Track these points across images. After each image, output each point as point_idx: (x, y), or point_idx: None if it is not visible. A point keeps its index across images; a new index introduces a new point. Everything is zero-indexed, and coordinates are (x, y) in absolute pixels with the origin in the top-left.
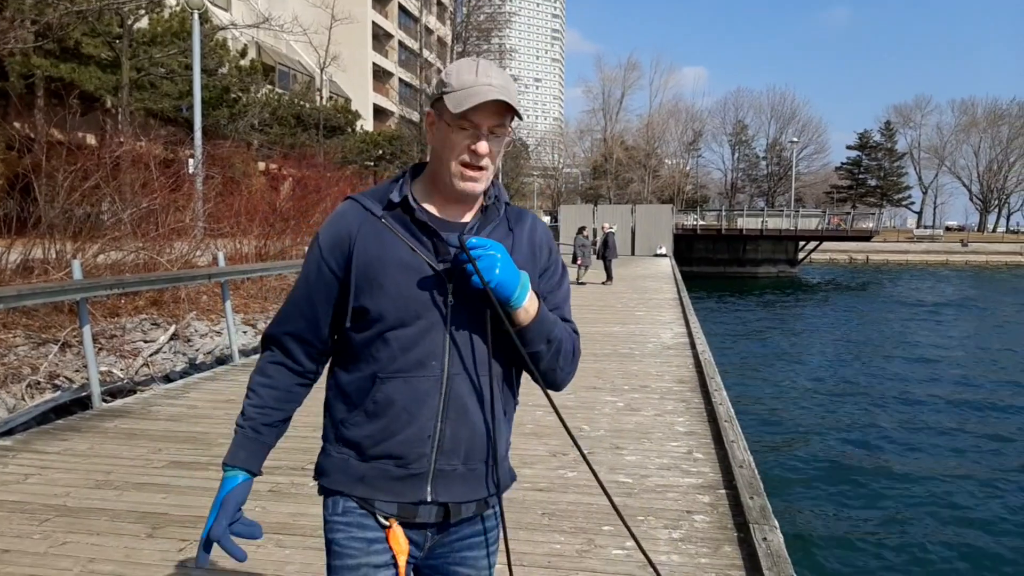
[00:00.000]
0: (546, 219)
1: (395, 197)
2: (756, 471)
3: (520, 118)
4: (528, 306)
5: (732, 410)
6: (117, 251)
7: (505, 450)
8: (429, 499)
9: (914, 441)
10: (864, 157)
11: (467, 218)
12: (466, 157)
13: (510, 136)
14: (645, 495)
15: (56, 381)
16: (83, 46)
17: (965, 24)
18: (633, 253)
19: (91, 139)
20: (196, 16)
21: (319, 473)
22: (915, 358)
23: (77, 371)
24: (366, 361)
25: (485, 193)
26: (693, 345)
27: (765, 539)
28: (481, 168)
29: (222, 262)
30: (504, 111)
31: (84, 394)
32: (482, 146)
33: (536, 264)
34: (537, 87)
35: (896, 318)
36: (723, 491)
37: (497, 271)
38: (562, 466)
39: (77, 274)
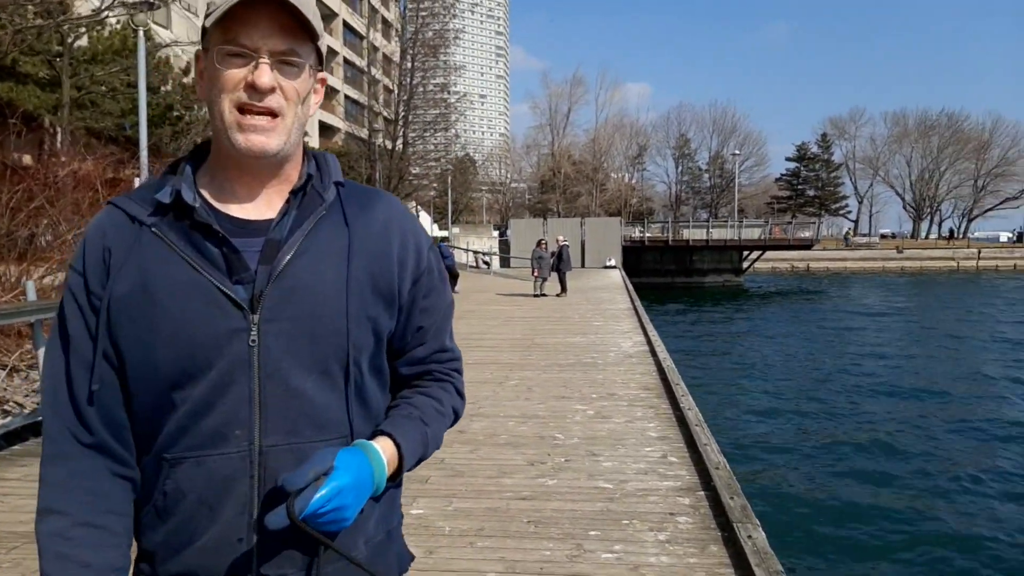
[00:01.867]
0: (495, 233)
1: (164, 197)
2: (732, 473)
3: (315, 38)
4: (387, 476)
5: (700, 415)
6: (64, 272)
7: (381, 532)
8: None
9: (871, 432)
10: (802, 168)
11: (274, 211)
12: (242, 95)
13: (318, 75)
14: (627, 499)
15: (5, 407)
16: (21, 64)
17: (897, 38)
18: (583, 265)
19: (27, 159)
20: (142, 34)
21: None
22: (863, 357)
23: (26, 396)
24: (148, 436)
25: (300, 173)
26: (654, 353)
27: (750, 537)
28: (268, 112)
29: None
30: (293, 29)
31: (36, 420)
32: (263, 74)
33: (399, 272)
34: (483, 103)
35: (841, 322)
36: (702, 492)
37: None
38: (541, 475)
39: (31, 295)
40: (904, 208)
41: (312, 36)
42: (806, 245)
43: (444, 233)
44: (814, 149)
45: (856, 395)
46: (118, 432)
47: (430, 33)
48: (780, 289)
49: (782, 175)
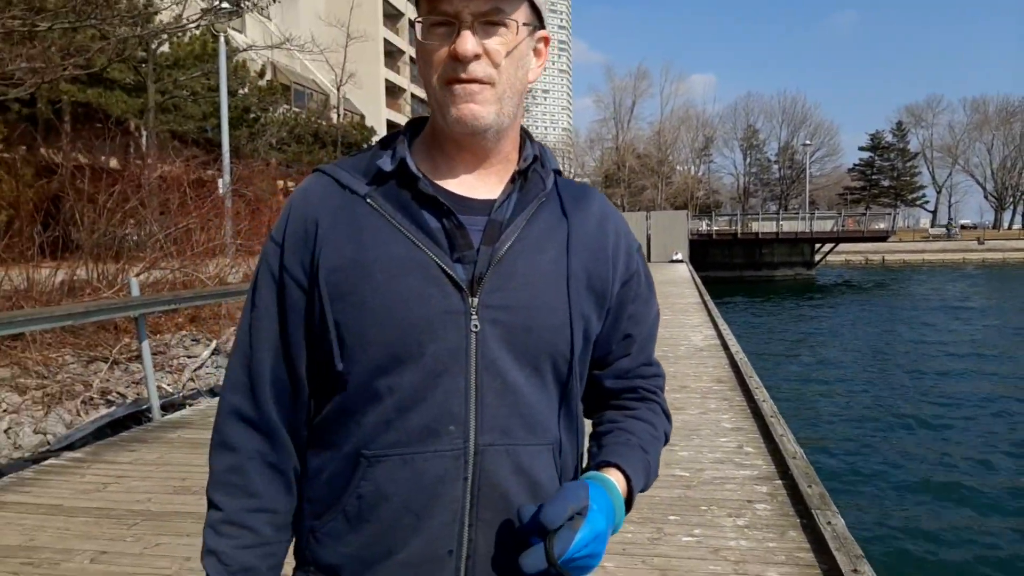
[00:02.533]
0: None
1: (386, 164)
2: (808, 462)
3: (540, 18)
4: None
5: (775, 407)
6: (159, 270)
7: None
8: None
9: (954, 430)
10: (877, 158)
11: (495, 192)
12: (448, 68)
13: (527, 33)
14: (704, 487)
15: (109, 397)
16: (109, 71)
17: (975, 22)
18: (650, 259)
19: (114, 162)
20: (223, 40)
21: None
22: (945, 355)
23: (127, 387)
24: (342, 430)
25: (521, 153)
26: (726, 347)
27: (829, 523)
28: (476, 81)
29: None
30: None
31: (138, 408)
32: (464, 41)
33: (612, 272)
34: (545, 98)
35: (920, 317)
36: (779, 481)
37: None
38: None
39: (135, 291)
40: (985, 198)
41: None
42: (881, 237)
43: None
44: (889, 138)
45: (934, 390)
46: (294, 421)
47: None
48: (854, 282)
49: (855, 165)
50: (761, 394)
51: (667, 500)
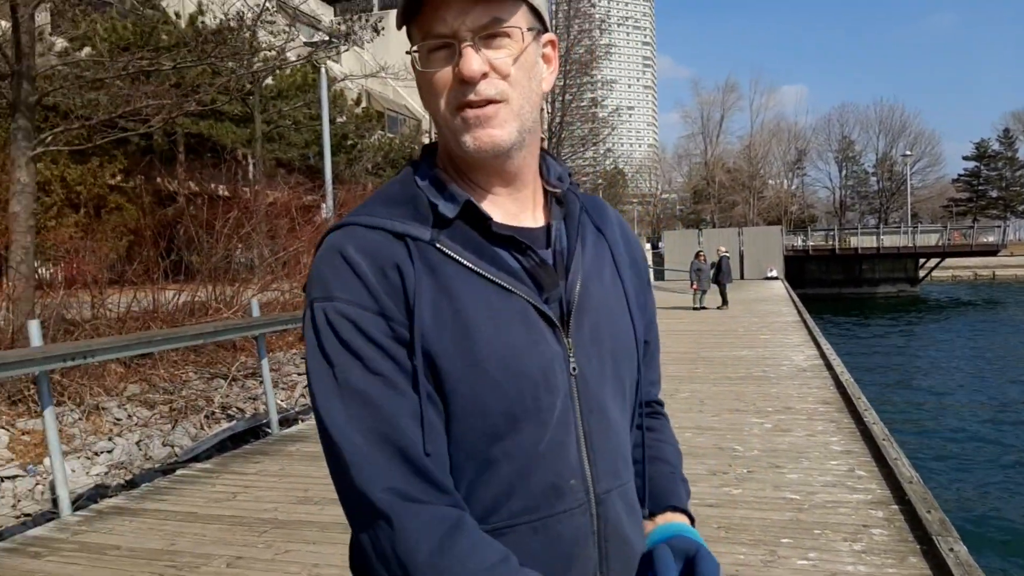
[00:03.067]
0: (647, 246)
1: (446, 209)
2: (926, 487)
3: (542, 20)
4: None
5: (887, 429)
6: (271, 291)
7: None
8: None
9: None
10: (983, 167)
11: (537, 217)
12: (456, 93)
13: (531, 38)
14: (816, 510)
15: (229, 411)
16: (219, 104)
17: None
18: (742, 277)
19: (223, 190)
20: (323, 71)
21: None
22: None
23: (245, 402)
24: None
25: (543, 173)
26: (830, 367)
27: (952, 550)
28: (488, 101)
29: None
30: None
31: (257, 423)
32: (468, 62)
33: (644, 281)
34: (631, 115)
35: None
36: (895, 507)
37: None
38: (724, 484)
39: (256, 312)
40: None
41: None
42: (991, 251)
43: None
44: (995, 146)
45: None
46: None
47: (581, 50)
48: (963, 299)
49: (960, 175)
50: (871, 416)
51: (779, 523)
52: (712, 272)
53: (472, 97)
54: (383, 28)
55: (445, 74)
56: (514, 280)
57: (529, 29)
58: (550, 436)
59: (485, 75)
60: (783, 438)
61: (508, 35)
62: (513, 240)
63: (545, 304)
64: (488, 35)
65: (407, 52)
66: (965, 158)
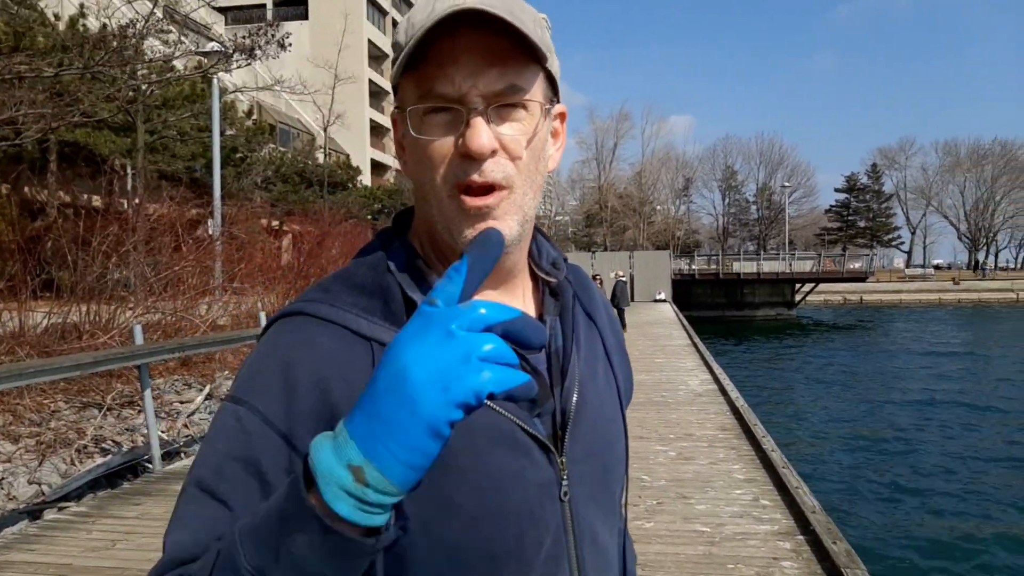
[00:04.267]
0: None
1: (419, 297)
2: (828, 516)
3: (556, 91)
4: None
5: (785, 456)
6: (152, 313)
7: None
8: None
9: (942, 467)
10: (852, 199)
11: (527, 309)
12: (456, 171)
13: (555, 110)
14: (727, 543)
15: (103, 445)
16: (99, 114)
17: (947, 67)
18: (633, 299)
19: (97, 200)
20: (216, 82)
21: None
22: (930, 393)
23: (121, 434)
24: None
25: (532, 254)
26: (724, 392)
27: None
28: (493, 187)
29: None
30: (508, 53)
31: (135, 458)
32: (477, 135)
33: (628, 364)
34: None
35: (903, 357)
36: (801, 537)
37: None
38: (636, 516)
39: (139, 339)
40: (959, 238)
41: (538, 56)
42: (860, 277)
43: None
44: (864, 180)
45: (926, 432)
46: None
47: None
48: (835, 322)
49: (832, 206)
50: (769, 443)
51: (693, 558)
52: (610, 296)
53: (476, 178)
54: (290, 44)
55: (444, 144)
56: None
57: (545, 104)
58: (538, 573)
59: (494, 152)
60: (688, 466)
61: (524, 108)
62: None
63: (536, 419)
64: (501, 105)
65: (395, 110)
66: (837, 190)
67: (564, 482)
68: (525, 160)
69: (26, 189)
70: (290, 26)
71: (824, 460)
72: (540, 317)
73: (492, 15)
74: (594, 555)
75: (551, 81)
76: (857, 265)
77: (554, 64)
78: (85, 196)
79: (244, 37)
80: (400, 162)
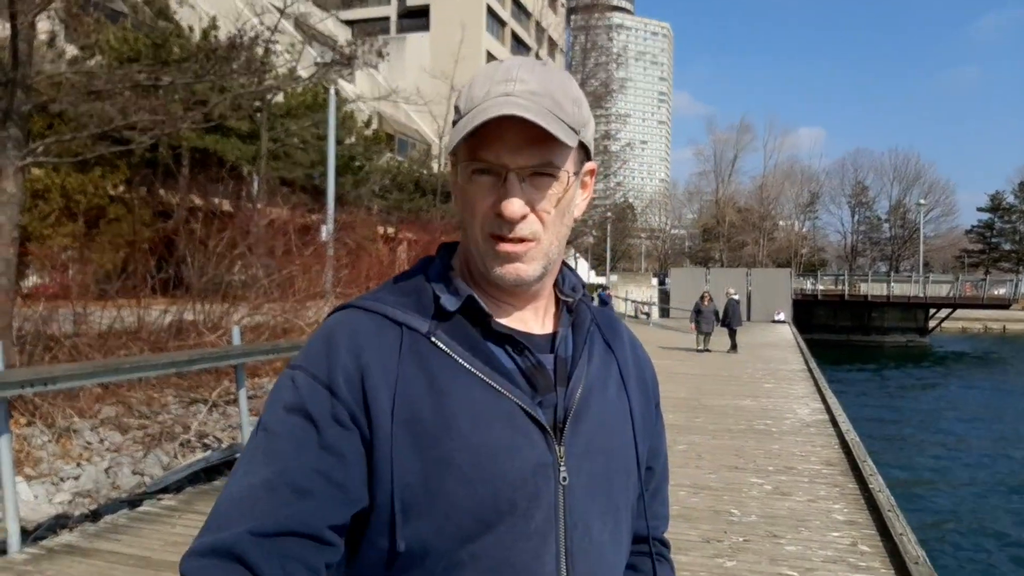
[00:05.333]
0: (654, 282)
1: (450, 303)
2: (933, 569)
3: (587, 152)
4: None
5: (893, 498)
6: (262, 315)
7: None
8: None
9: None
10: (997, 220)
11: (547, 325)
12: (492, 223)
13: (585, 167)
14: None
15: (206, 440)
16: (226, 120)
17: None
18: (749, 318)
19: (226, 205)
20: (333, 91)
21: None
22: None
23: (224, 430)
24: None
25: (557, 282)
26: (835, 423)
27: None
28: (522, 240)
29: None
30: (545, 139)
31: (232, 455)
32: (511, 204)
33: (652, 404)
34: (643, 149)
35: None
36: None
37: None
38: (718, 554)
39: (236, 340)
40: None
41: (572, 135)
42: (1003, 304)
43: (602, 280)
44: (1010, 199)
45: None
46: None
47: (596, 83)
48: (974, 353)
49: (973, 227)
50: (876, 482)
51: None
52: (722, 315)
53: (507, 234)
54: (388, 54)
55: (486, 199)
56: (505, 380)
57: (575, 173)
58: (524, 545)
59: (524, 216)
60: (783, 503)
61: (556, 177)
62: (511, 339)
63: (538, 407)
64: (535, 173)
65: (450, 159)
66: (979, 209)
67: (562, 469)
68: (552, 217)
69: (160, 192)
70: (412, 37)
71: (938, 508)
72: (556, 331)
73: (531, 121)
74: (585, 546)
75: (584, 147)
76: (1001, 291)
77: (587, 134)
78: (216, 200)
79: (343, 47)
80: (453, 195)
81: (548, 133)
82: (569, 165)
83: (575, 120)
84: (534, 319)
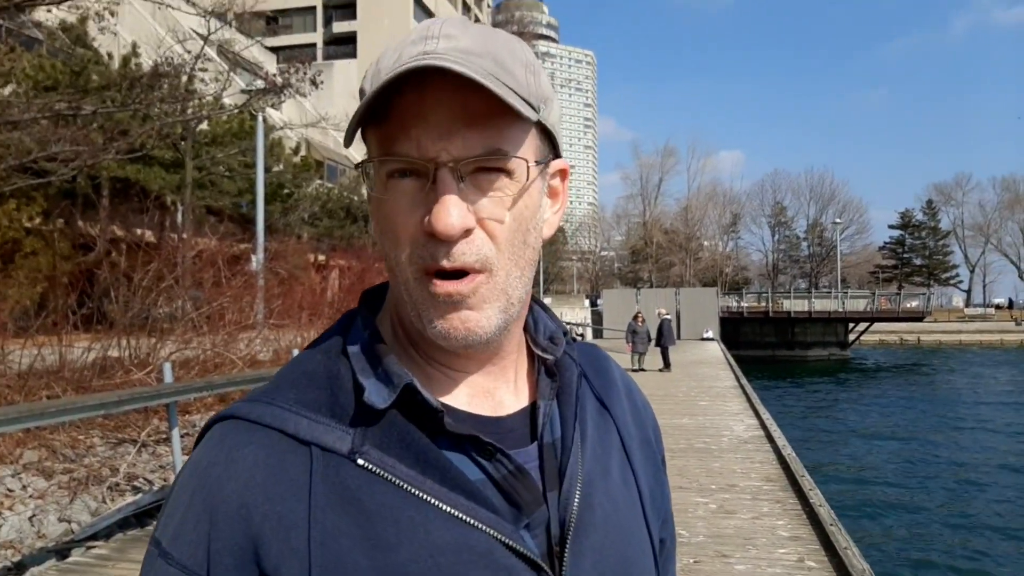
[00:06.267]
0: (586, 304)
1: (379, 399)
2: None
3: (554, 144)
4: None
5: (833, 512)
6: (191, 349)
7: None
8: None
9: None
10: (907, 236)
11: (519, 393)
12: (423, 251)
13: (538, 172)
14: None
15: (135, 483)
16: (149, 149)
17: (1003, 101)
18: (679, 337)
19: (149, 235)
20: (261, 119)
21: None
22: (996, 443)
23: (154, 471)
24: None
25: (528, 328)
26: (771, 438)
27: None
28: (467, 271)
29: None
30: (487, 111)
31: (164, 497)
32: (444, 212)
33: (658, 470)
34: (571, 173)
35: (967, 402)
36: None
37: None
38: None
39: (168, 377)
40: (1020, 277)
41: (528, 113)
42: (917, 317)
43: None
44: (919, 216)
45: (987, 491)
46: None
47: None
48: (892, 364)
49: (886, 243)
50: (816, 497)
51: None
52: (655, 335)
53: (444, 262)
54: (322, 82)
55: (411, 214)
56: (473, 504)
57: (537, 162)
58: None
59: (468, 232)
60: (728, 521)
61: (508, 173)
62: (475, 440)
63: (525, 531)
64: (479, 168)
65: (356, 166)
66: (891, 227)
67: None
68: (507, 232)
69: (79, 224)
70: (340, 64)
71: (876, 515)
72: (534, 401)
73: (464, 76)
74: None
75: (547, 134)
76: (914, 304)
77: (551, 113)
78: (140, 232)
79: (274, 75)
80: (371, 217)
81: (493, 104)
82: (528, 151)
83: (532, 92)
84: (503, 387)
